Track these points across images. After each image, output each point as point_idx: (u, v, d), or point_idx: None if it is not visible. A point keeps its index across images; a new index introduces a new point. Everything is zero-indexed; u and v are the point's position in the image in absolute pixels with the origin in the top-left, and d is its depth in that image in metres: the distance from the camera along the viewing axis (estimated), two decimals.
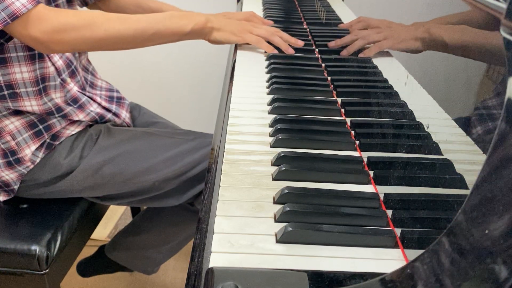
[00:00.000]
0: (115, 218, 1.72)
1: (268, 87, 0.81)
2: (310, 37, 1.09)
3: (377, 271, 0.41)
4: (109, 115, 1.03)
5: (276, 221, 0.47)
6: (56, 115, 0.93)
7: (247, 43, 0.98)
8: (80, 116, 0.97)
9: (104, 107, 1.03)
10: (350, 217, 0.48)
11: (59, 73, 0.92)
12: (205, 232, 0.46)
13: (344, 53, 0.93)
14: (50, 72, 0.91)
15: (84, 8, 1.13)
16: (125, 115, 1.08)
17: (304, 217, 0.47)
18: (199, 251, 0.44)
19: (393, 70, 0.78)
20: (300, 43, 0.98)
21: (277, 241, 0.44)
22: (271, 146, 0.62)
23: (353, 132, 0.66)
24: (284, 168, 0.54)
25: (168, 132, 1.02)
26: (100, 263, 1.29)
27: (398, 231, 0.46)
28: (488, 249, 0.31)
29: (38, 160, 0.93)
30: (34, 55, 0.87)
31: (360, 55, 0.91)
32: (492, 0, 0.44)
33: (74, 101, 0.96)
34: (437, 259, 0.35)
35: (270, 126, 0.67)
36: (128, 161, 0.95)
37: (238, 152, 0.60)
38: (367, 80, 0.84)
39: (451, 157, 0.52)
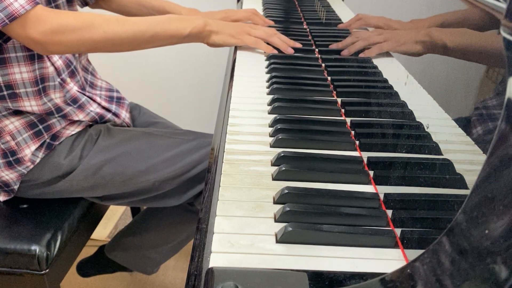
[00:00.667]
0: (115, 218, 1.72)
1: (268, 87, 0.81)
2: (310, 37, 1.09)
3: (377, 271, 0.41)
4: (109, 115, 1.03)
5: (276, 221, 0.47)
6: (56, 115, 0.93)
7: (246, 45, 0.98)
8: (80, 116, 0.97)
9: (104, 107, 1.03)
10: (350, 217, 0.48)
11: (58, 73, 0.92)
12: (205, 232, 0.46)
13: (345, 53, 0.93)
14: (50, 72, 0.91)
15: (85, 9, 1.13)
16: (125, 115, 1.08)
17: (304, 217, 0.47)
18: (199, 251, 0.44)
19: (393, 70, 0.78)
20: (297, 45, 0.98)
21: (277, 241, 0.44)
22: (271, 146, 0.62)
23: (353, 132, 0.66)
24: (284, 168, 0.54)
25: (168, 132, 1.02)
26: (100, 263, 1.29)
27: (398, 231, 0.46)
28: (488, 249, 0.31)
29: (38, 160, 0.93)
30: (33, 55, 0.87)
31: (361, 55, 0.91)
32: (492, 0, 0.44)
33: (74, 101, 0.96)
34: (437, 259, 0.35)
35: (270, 126, 0.67)
36: (128, 161, 0.95)
37: (238, 152, 0.60)
38: (367, 80, 0.84)
39: (451, 157, 0.52)
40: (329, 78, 0.86)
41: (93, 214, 1.05)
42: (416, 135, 0.61)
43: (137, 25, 0.85)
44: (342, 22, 1.13)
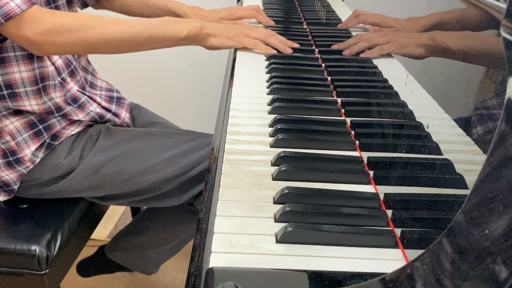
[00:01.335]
0: (115, 218, 1.72)
1: (268, 87, 0.81)
2: (310, 37, 1.09)
3: (377, 271, 0.41)
4: (108, 115, 1.03)
5: (276, 221, 0.47)
6: (56, 115, 0.93)
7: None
8: (80, 115, 0.97)
9: (103, 107, 1.03)
10: (350, 217, 0.48)
11: (58, 72, 0.92)
12: (205, 232, 0.46)
13: (347, 53, 0.93)
14: (50, 71, 0.91)
15: (89, 9, 1.13)
16: (124, 115, 1.08)
17: (304, 217, 0.47)
18: (199, 251, 0.44)
19: (393, 70, 0.78)
20: (295, 45, 0.98)
21: (277, 241, 0.44)
22: (271, 146, 0.62)
23: (353, 132, 0.66)
24: (284, 168, 0.54)
25: (168, 132, 1.02)
26: (100, 263, 1.29)
27: (398, 231, 0.46)
28: (488, 249, 0.31)
29: (38, 160, 0.93)
30: (32, 55, 0.87)
31: (362, 55, 0.91)
32: (492, 0, 0.44)
33: (74, 100, 0.96)
34: (437, 259, 0.35)
35: (270, 126, 0.67)
36: (128, 161, 0.95)
37: (238, 152, 0.60)
38: (367, 80, 0.84)
39: (451, 157, 0.52)
40: (329, 78, 0.86)
41: (93, 214, 1.05)
42: (416, 135, 0.61)
43: (134, 27, 0.85)
44: (342, 22, 1.13)
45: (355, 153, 0.61)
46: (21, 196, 0.97)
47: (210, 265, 0.40)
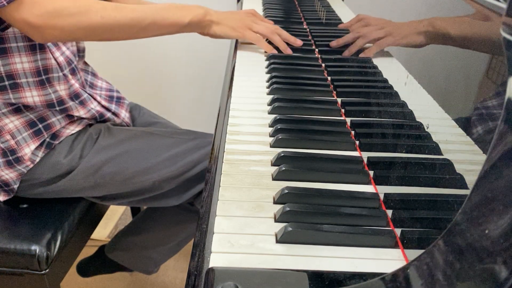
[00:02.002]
0: (115, 218, 1.72)
1: (268, 87, 0.81)
2: (310, 37, 1.09)
3: (377, 271, 0.41)
4: (108, 114, 1.03)
5: (276, 221, 0.47)
6: (57, 108, 0.93)
7: (247, 42, 0.98)
8: (81, 112, 0.96)
9: (103, 106, 1.03)
10: (350, 217, 0.48)
11: (61, 68, 0.92)
12: (205, 232, 0.46)
13: (346, 53, 0.93)
14: (53, 64, 0.90)
15: None
16: (124, 114, 1.08)
17: (304, 217, 0.47)
18: (199, 251, 0.44)
19: (393, 70, 0.78)
20: (299, 43, 0.98)
21: (277, 241, 0.44)
22: (271, 146, 0.62)
23: (353, 132, 0.66)
24: (284, 168, 0.54)
25: (168, 132, 1.02)
26: (100, 263, 1.29)
27: (398, 231, 0.46)
28: (488, 249, 0.31)
29: (37, 159, 0.93)
30: (35, 46, 0.87)
31: (361, 55, 0.91)
32: (492, 0, 0.44)
33: (76, 96, 0.95)
34: (437, 259, 0.35)
35: (270, 126, 0.67)
36: (128, 161, 0.95)
37: (238, 152, 0.60)
38: (367, 80, 0.84)
39: (451, 157, 0.52)
40: (329, 78, 0.86)
41: (93, 214, 1.05)
42: (416, 135, 0.61)
43: (135, 11, 0.85)
44: (342, 22, 1.13)
45: (355, 153, 0.61)
46: (21, 195, 0.97)
47: (210, 265, 0.40)
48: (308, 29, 1.15)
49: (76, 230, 0.97)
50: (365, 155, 0.60)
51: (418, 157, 0.56)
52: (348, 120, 0.69)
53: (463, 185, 0.48)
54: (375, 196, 0.51)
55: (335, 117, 0.71)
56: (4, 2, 0.75)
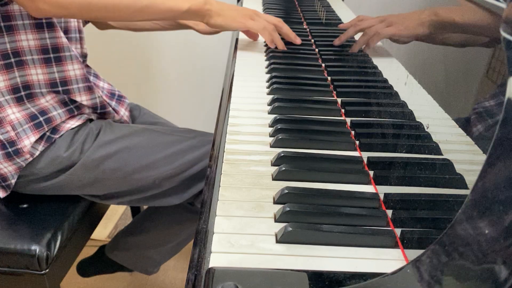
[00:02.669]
0: (115, 218, 1.72)
1: (268, 87, 0.81)
2: (310, 37, 1.09)
3: (377, 271, 0.41)
4: (110, 108, 1.03)
5: (276, 221, 0.47)
6: (60, 88, 0.93)
7: (246, 40, 0.97)
8: (83, 97, 0.96)
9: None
10: (350, 217, 0.48)
11: (71, 48, 0.92)
12: (205, 232, 0.46)
13: (355, 48, 0.92)
14: (64, 42, 0.91)
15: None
16: (123, 112, 1.08)
17: (304, 217, 0.47)
18: (199, 251, 0.44)
19: (393, 70, 0.78)
20: (298, 41, 0.98)
21: (277, 241, 0.44)
22: (271, 146, 0.62)
23: (353, 132, 0.66)
24: (284, 168, 0.54)
25: (169, 130, 1.02)
26: (100, 263, 1.29)
27: (398, 231, 0.46)
28: (488, 249, 0.31)
29: (37, 153, 0.92)
30: (42, 24, 0.88)
31: (365, 49, 0.90)
32: (492, 0, 0.44)
33: (82, 80, 0.95)
34: (437, 259, 0.35)
35: (270, 126, 0.67)
36: (129, 157, 0.95)
37: (238, 152, 0.60)
38: (367, 80, 0.84)
39: (451, 157, 0.52)
40: (329, 78, 0.86)
41: (93, 214, 1.05)
42: (416, 135, 0.61)
43: None
44: (342, 22, 1.13)
45: (355, 153, 0.61)
46: (20, 191, 0.96)
47: (210, 265, 0.40)
48: (308, 29, 1.15)
49: (76, 230, 0.97)
50: (365, 155, 0.60)
51: (418, 157, 0.56)
52: (348, 120, 0.69)
53: (463, 185, 0.48)
54: (375, 196, 0.51)
55: (335, 117, 0.71)
56: None
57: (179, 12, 0.89)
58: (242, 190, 0.52)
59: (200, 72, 1.88)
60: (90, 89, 0.97)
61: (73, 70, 0.93)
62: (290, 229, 0.44)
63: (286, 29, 0.97)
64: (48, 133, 0.93)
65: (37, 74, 0.90)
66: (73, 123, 0.96)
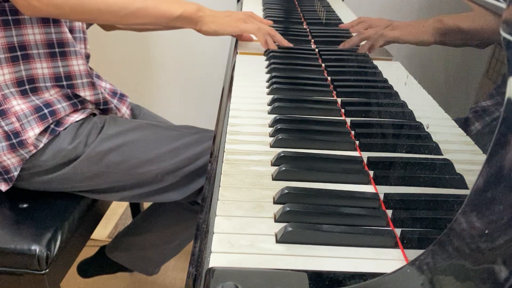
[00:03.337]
0: (115, 218, 1.72)
1: (268, 87, 0.81)
2: (310, 37, 1.09)
3: (377, 271, 0.41)
4: (112, 105, 1.03)
5: (276, 221, 0.47)
6: (64, 83, 0.93)
7: (246, 40, 0.97)
8: (87, 92, 0.96)
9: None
10: (350, 217, 0.48)
11: (76, 44, 0.93)
12: (205, 232, 0.46)
13: (362, 50, 0.92)
14: (69, 37, 0.91)
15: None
16: (124, 111, 1.09)
17: (304, 217, 0.47)
18: (199, 251, 0.44)
19: (393, 70, 0.78)
20: (289, 45, 0.99)
21: (277, 241, 0.44)
22: (271, 146, 0.62)
23: (353, 132, 0.66)
24: (284, 168, 0.54)
25: (172, 125, 1.03)
26: (100, 263, 1.29)
27: (398, 231, 0.46)
28: (488, 249, 0.31)
29: (41, 145, 0.91)
30: (48, 18, 0.88)
31: (367, 51, 0.90)
32: (492, 0, 0.44)
33: (86, 75, 0.96)
34: (437, 259, 0.35)
35: (270, 126, 0.67)
36: (133, 151, 0.95)
37: (238, 152, 0.60)
38: (367, 80, 0.84)
39: (451, 157, 0.52)
40: (329, 78, 0.86)
41: (93, 214, 1.05)
42: (416, 135, 0.61)
43: None
44: (342, 22, 1.13)
45: (355, 153, 0.61)
46: (22, 186, 0.96)
47: (210, 265, 0.40)
48: (308, 29, 1.15)
49: (76, 230, 0.97)
50: (365, 155, 0.60)
51: (418, 157, 0.56)
52: (348, 120, 0.69)
53: (463, 185, 0.48)
54: (375, 196, 0.51)
55: (335, 117, 0.71)
56: None
57: (172, 18, 0.89)
58: (242, 190, 0.52)
59: (201, 72, 1.88)
60: (93, 85, 0.97)
61: (77, 65, 0.94)
62: (290, 229, 0.44)
63: (278, 37, 0.98)
64: (52, 126, 0.93)
65: (42, 68, 0.90)
66: (77, 116, 0.96)
